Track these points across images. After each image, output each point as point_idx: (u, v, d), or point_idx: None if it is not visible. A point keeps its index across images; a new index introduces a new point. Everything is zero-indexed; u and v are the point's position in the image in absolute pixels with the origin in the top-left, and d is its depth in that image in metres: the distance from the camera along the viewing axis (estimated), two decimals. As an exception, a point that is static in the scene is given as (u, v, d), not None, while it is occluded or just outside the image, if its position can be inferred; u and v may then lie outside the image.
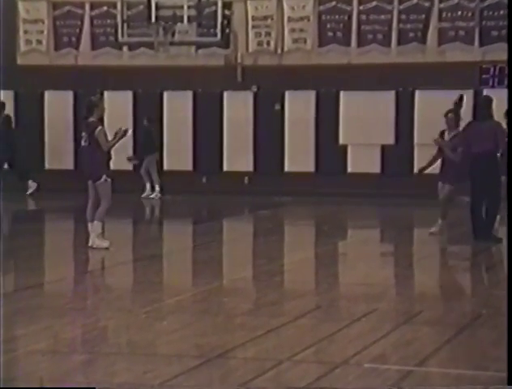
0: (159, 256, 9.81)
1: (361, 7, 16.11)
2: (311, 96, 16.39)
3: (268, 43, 16.55)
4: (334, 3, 16.23)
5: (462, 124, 10.73)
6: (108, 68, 16.76)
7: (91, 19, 17.07)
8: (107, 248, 9.41)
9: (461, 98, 10.99)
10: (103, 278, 8.64)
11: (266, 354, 5.44)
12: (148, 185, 15.96)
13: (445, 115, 10.93)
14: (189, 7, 15.63)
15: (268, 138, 16.54)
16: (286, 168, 16.65)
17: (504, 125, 10.67)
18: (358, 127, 16.05)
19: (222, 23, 16.07)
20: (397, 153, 15.97)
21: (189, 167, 16.96)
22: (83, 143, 9.66)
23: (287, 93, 16.49)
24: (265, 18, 16.52)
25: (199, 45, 16.44)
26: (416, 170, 11.11)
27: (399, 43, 15.93)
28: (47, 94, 17.20)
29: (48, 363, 5.21)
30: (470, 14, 15.64)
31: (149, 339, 5.84)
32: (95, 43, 17.04)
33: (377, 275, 8.42)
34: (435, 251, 9.95)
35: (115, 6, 16.48)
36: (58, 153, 17.11)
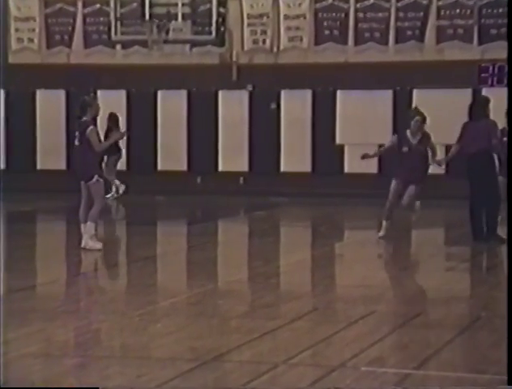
0: (153, 258, 9.80)
1: (358, 5, 16.12)
2: (307, 95, 16.40)
3: (264, 41, 16.56)
4: (330, 1, 16.25)
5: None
6: (101, 67, 16.75)
7: (84, 16, 17.06)
8: (100, 249, 9.40)
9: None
10: (96, 280, 8.63)
11: (262, 357, 5.44)
12: (115, 186, 15.54)
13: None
14: (183, 5, 15.63)
15: (264, 137, 16.54)
16: (282, 169, 16.65)
17: (504, 124, 10.71)
18: (355, 127, 16.06)
19: (217, 21, 16.07)
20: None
21: (183, 167, 16.95)
22: (76, 142, 9.66)
23: (283, 92, 16.50)
24: (260, 16, 16.53)
25: (194, 43, 16.44)
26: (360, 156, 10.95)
27: (397, 41, 15.95)
28: (39, 93, 17.18)
29: (40, 366, 5.20)
30: (468, 12, 15.66)
31: (143, 342, 5.83)
32: (87, 41, 17.02)
33: (374, 276, 8.43)
34: (434, 252, 9.96)
35: (108, 4, 16.47)
36: (50, 153, 17.09)
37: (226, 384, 4.91)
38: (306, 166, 16.51)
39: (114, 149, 15.26)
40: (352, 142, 16.26)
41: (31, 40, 17.23)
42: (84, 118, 9.54)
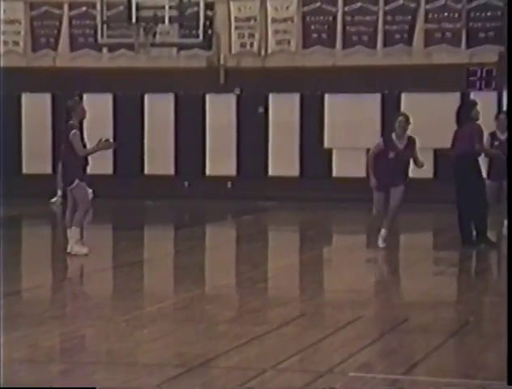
0: (140, 262, 9.79)
1: (346, 8, 16.17)
2: (295, 98, 16.43)
3: (251, 44, 16.58)
4: (318, 4, 16.29)
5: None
6: (87, 70, 16.72)
7: (70, 19, 17.03)
8: (86, 254, 9.38)
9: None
10: (82, 285, 8.61)
11: (250, 363, 5.44)
12: (60, 192, 15.35)
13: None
14: (170, 8, 15.62)
15: (251, 141, 16.56)
16: (270, 173, 16.67)
17: (494, 127, 10.76)
18: (343, 130, 16.10)
19: (204, 24, 16.07)
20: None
21: (170, 171, 16.93)
22: (62, 146, 9.66)
23: (270, 96, 16.52)
24: (248, 19, 16.55)
25: (181, 47, 16.43)
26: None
27: (385, 45, 16.00)
28: (24, 96, 17.13)
29: (26, 372, 5.19)
30: (456, 16, 15.74)
31: (129, 347, 5.83)
32: (73, 44, 16.99)
33: (362, 281, 8.45)
34: (422, 257, 9.99)
35: (94, 7, 16.45)
36: (36, 157, 17.04)
37: (213, 390, 4.91)
38: (294, 170, 16.53)
39: None
40: (340, 146, 16.30)
41: (16, 43, 17.18)
42: (71, 122, 9.53)
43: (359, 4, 16.13)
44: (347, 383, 5.00)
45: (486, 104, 14.89)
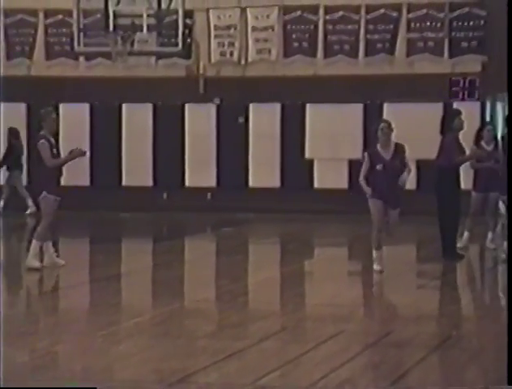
0: (117, 276, 9.75)
1: (328, 17, 16.24)
2: (276, 108, 16.46)
3: (231, 53, 16.61)
4: (299, 13, 16.35)
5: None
6: (63, 79, 16.67)
7: (46, 27, 16.98)
8: (38, 269, 9.26)
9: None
10: (57, 300, 8.55)
11: (229, 379, 5.43)
12: (30, 201, 15.30)
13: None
14: (148, 16, 15.60)
15: (232, 152, 16.56)
16: (250, 184, 16.67)
17: (486, 136, 10.78)
18: (325, 141, 16.14)
19: (183, 32, 16.05)
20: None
21: (149, 182, 16.89)
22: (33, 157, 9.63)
23: (251, 106, 16.54)
24: (228, 27, 16.59)
25: (159, 56, 16.42)
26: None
27: (367, 54, 16.08)
28: (-2, 106, 17.05)
29: (-2, 391, 5.14)
30: (439, 25, 15.85)
31: (105, 364, 5.79)
32: (49, 52, 16.94)
33: (344, 295, 8.46)
34: (404, 270, 10.02)
35: (71, 15, 16.38)
36: (10, 168, 16.93)
37: (192, 407, 4.88)
38: (275, 181, 16.55)
39: (16, 164, 15.45)
40: (321, 156, 16.34)
41: (-10, 51, 17.11)
42: (41, 133, 9.49)
43: (340, 13, 16.20)
44: (328, 399, 4.99)
45: (469, 114, 14.99)
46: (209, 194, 16.73)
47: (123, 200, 16.37)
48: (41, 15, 16.97)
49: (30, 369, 5.80)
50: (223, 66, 16.67)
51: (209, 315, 7.55)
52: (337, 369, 5.58)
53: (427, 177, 14.22)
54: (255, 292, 8.82)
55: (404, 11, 15.98)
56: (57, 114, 10.53)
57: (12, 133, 15.70)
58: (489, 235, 11.06)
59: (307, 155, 16.44)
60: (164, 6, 14.82)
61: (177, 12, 16.04)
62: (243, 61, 16.56)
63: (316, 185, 16.42)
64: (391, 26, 16.04)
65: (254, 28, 16.52)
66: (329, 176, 16.27)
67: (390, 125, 9.53)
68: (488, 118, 15.36)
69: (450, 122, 10.25)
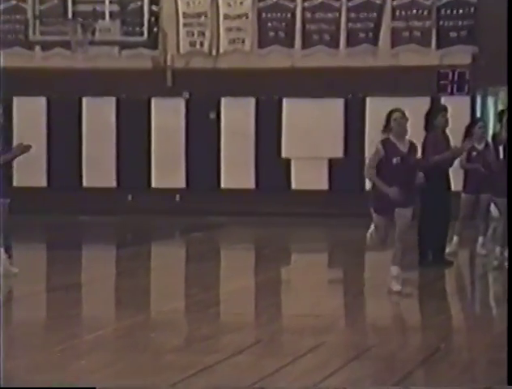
0: (76, 285, 9.72)
1: (306, 4, 16.29)
2: (250, 103, 16.48)
3: (201, 43, 16.61)
4: (275, -1, 16.40)
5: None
6: (17, 70, 16.56)
7: (-2, 14, 16.89)
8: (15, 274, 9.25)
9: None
10: (10, 311, 8.50)
11: (199, 396, 5.43)
12: None
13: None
14: (111, 2, 15.59)
15: (202, 150, 16.56)
16: (222, 185, 16.68)
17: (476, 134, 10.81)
18: (303, 139, 16.19)
19: (149, 20, 16.07)
20: (346, 168, 16.14)
21: (112, 183, 16.85)
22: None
23: (223, 100, 16.55)
24: (198, 15, 16.59)
25: (123, 45, 16.40)
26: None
27: (348, 44, 16.15)
28: None
29: None
30: (426, 13, 15.95)
31: (64, 380, 5.77)
32: (2, 42, 16.83)
33: (324, 304, 8.49)
34: (388, 278, 10.05)
35: (25, 0, 16.34)
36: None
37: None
38: (249, 182, 16.57)
39: None
40: (299, 155, 16.38)
41: None
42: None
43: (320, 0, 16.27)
44: (306, 418, 5.00)
45: (458, 109, 15.10)
46: (177, 196, 16.73)
47: (83, 202, 16.32)
48: (-7, 1, 16.88)
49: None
50: (192, 57, 16.67)
51: (177, 327, 7.55)
52: (316, 385, 5.59)
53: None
54: (228, 302, 8.82)
55: (388, -2, 16.07)
56: (4, 109, 10.45)
57: None
58: (480, 240, 11.13)
59: (284, 154, 16.47)
60: (128, -9, 14.81)
61: (142, -2, 16.05)
62: (214, 52, 16.56)
63: (293, 186, 16.46)
64: (374, 14, 16.12)
65: (226, 16, 16.53)
66: (307, 176, 16.32)
67: (404, 114, 8.74)
68: (478, 114, 15.48)
69: (432, 119, 10.25)
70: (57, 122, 16.75)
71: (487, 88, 15.78)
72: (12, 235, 9.68)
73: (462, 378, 5.87)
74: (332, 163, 16.34)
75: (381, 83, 15.75)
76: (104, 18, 15.59)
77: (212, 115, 16.61)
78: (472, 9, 15.70)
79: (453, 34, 15.76)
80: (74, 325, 7.52)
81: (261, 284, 9.85)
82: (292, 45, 16.34)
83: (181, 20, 16.63)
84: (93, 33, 15.59)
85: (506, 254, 9.98)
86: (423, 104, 14.62)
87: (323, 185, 16.32)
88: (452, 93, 15.56)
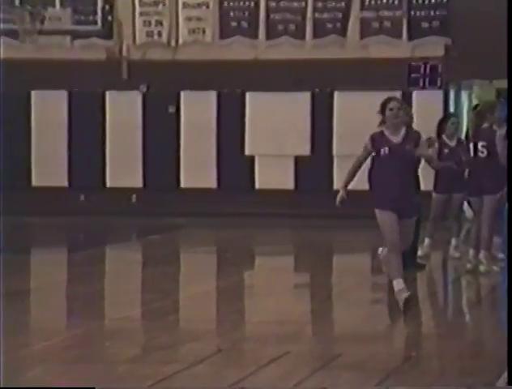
0: (25, 292, 9.65)
1: (270, -8, 16.33)
2: (211, 97, 16.48)
3: (159, 33, 16.57)
4: (238, -13, 16.41)
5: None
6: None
7: None
8: None
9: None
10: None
11: (156, 409, 5.42)
12: None
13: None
14: (62, -11, 15.51)
15: (160, 147, 16.53)
16: (182, 184, 16.66)
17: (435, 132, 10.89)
18: (267, 135, 16.21)
19: (103, 8, 16.01)
20: (313, 166, 16.19)
21: (63, 182, 16.77)
22: None
23: (182, 94, 16.53)
24: (155, 3, 16.55)
25: (75, 35, 16.32)
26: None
27: (315, 35, 16.20)
28: None
29: None
30: (396, 2, 16.05)
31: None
32: None
33: (289, 311, 8.51)
34: (357, 282, 10.11)
35: (-32, -14, 16.21)
36: None
37: None
38: (211, 181, 16.56)
39: None
40: (263, 153, 16.40)
41: None
42: None
43: (285, -12, 16.32)
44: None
45: (430, 104, 15.21)
46: (134, 196, 16.67)
47: (33, 203, 16.21)
48: None
49: None
50: (150, 48, 16.62)
51: (133, 336, 7.53)
52: (280, 397, 5.61)
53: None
54: (187, 308, 8.82)
55: (358, -13, 16.15)
56: None
57: None
58: (453, 242, 11.22)
59: (247, 151, 16.49)
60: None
61: (95, -15, 15.99)
62: (173, 43, 16.54)
63: (257, 185, 16.48)
64: (343, 4, 16.19)
65: (186, 5, 16.51)
66: (272, 175, 16.35)
67: (402, 103, 8.35)
68: (451, 109, 15.60)
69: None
70: (4, 117, 16.60)
71: (460, 82, 15.91)
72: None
73: (433, 386, 5.92)
74: (298, 161, 16.38)
75: (350, 76, 15.82)
76: (54, 5, 15.51)
77: (171, 110, 16.58)
78: (445, -2, 15.83)
79: (425, 24, 15.87)
80: (21, 334, 7.46)
81: (223, 290, 9.85)
82: (255, 36, 16.35)
83: (138, 9, 16.58)
84: (42, 22, 15.50)
85: (481, 256, 10.08)
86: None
87: (289, 184, 16.36)
88: (424, 87, 15.66)
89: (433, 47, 15.81)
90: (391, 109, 8.09)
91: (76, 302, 9.10)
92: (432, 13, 15.85)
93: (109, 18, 16.31)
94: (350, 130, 15.37)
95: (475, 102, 14.78)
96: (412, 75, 15.79)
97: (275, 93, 16.07)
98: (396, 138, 8.09)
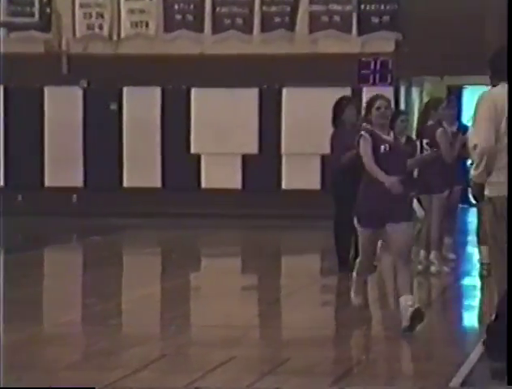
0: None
1: (217, -16, 16.33)
2: (155, 93, 16.44)
3: (101, 26, 16.48)
4: (183, -21, 16.39)
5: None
6: None
7: None
8: None
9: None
10: None
11: (97, 417, 5.39)
12: None
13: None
14: (-3, -21, 15.36)
15: (102, 145, 16.45)
16: (125, 184, 16.60)
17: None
18: (213, 133, 16.22)
19: (41, -1, 15.87)
20: (261, 165, 16.23)
21: (-1, 182, 16.63)
22: None
23: (125, 90, 16.47)
24: (96, -5, 16.46)
25: (11, 27, 16.16)
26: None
27: (263, 29, 16.24)
28: None
29: None
30: (346, -4, 16.14)
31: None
32: None
33: (237, 314, 8.53)
34: (306, 284, 10.16)
35: None
36: None
37: None
38: (155, 180, 16.52)
39: None
40: (210, 151, 16.40)
41: None
42: None
43: (231, -20, 16.33)
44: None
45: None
46: (74, 196, 16.58)
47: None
48: None
49: None
50: (90, 42, 16.53)
51: (73, 342, 7.48)
52: (227, 403, 5.62)
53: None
54: (130, 312, 8.78)
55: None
56: None
57: None
58: (421, 253, 11.25)
59: (193, 149, 16.48)
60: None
61: (33, -25, 15.86)
62: (115, 37, 16.47)
63: (203, 184, 16.48)
64: (291, -3, 16.24)
65: (129, -3, 16.45)
66: (219, 174, 16.36)
67: (390, 102, 7.92)
68: (402, 106, 15.74)
69: (339, 113, 10.18)
70: None
71: (411, 78, 16.06)
72: None
73: (384, 391, 5.97)
74: (246, 159, 16.41)
75: (299, 72, 15.89)
76: (-11, -4, 15.35)
77: (113, 106, 16.51)
78: (396, -7, 15.95)
79: (375, 19, 15.99)
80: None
81: (167, 292, 9.84)
82: (201, 30, 16.34)
83: (77, 0, 16.47)
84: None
85: (431, 257, 10.18)
86: (343, 94, 14.83)
87: (236, 183, 16.37)
88: (374, 84, 15.78)
89: (384, 42, 15.94)
90: (378, 108, 7.65)
91: (12, 307, 9.00)
92: (382, 7, 15.96)
93: (48, 9, 16.17)
94: (299, 127, 15.44)
95: (426, 99, 14.92)
96: (362, 72, 15.90)
97: (221, 89, 16.08)
98: (390, 137, 7.73)
